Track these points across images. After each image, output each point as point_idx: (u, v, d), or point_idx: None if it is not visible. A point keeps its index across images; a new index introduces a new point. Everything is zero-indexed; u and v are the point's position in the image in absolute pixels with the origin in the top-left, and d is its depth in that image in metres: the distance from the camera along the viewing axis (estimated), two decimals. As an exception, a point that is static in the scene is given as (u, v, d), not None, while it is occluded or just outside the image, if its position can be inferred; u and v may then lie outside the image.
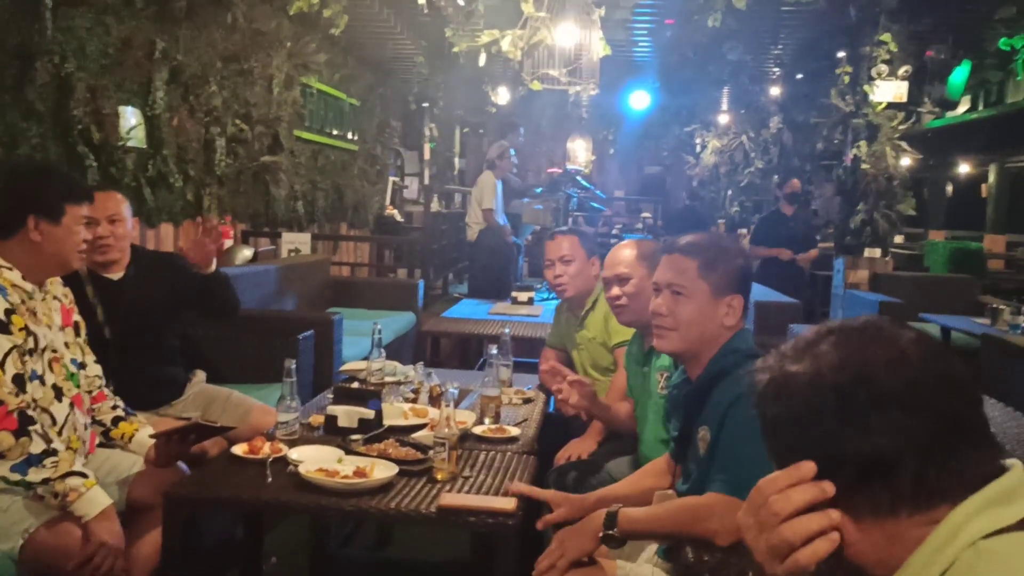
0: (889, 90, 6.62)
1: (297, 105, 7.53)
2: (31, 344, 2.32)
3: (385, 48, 8.90)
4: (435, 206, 10.87)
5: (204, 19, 5.91)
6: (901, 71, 6.58)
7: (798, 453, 0.97)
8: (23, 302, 2.33)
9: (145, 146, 5.30)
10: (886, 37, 6.42)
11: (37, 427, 2.21)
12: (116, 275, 3.11)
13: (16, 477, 2.16)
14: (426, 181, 11.92)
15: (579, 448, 3.06)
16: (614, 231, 11.12)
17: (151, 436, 2.57)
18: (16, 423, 2.17)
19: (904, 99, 6.67)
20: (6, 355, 2.22)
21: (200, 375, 3.39)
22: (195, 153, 5.96)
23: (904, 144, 6.68)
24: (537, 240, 10.17)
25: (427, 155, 12.19)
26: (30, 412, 2.22)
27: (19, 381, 2.24)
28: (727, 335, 2.00)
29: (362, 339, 4.76)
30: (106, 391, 2.69)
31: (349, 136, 9.19)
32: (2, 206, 2.40)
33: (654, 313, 2.06)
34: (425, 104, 10.98)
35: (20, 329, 2.28)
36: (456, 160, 13.93)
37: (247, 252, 6.08)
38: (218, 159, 6.19)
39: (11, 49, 4.15)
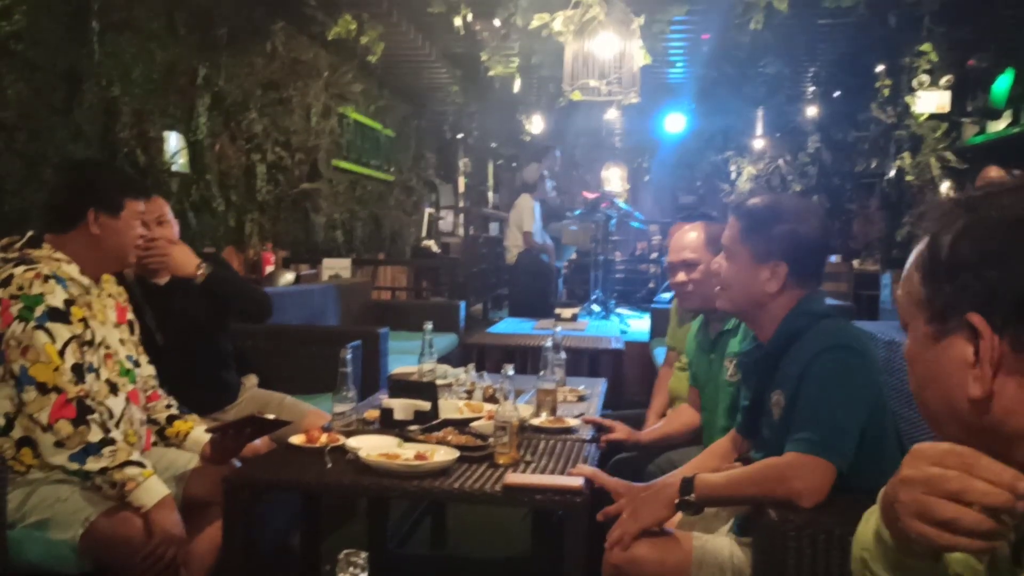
0: (931, 100, 6.53)
1: (335, 134, 7.61)
2: (88, 337, 2.31)
3: (420, 77, 8.97)
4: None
5: (244, 47, 6.00)
6: (943, 81, 6.50)
7: (989, 295, 0.89)
8: (81, 295, 2.33)
9: (188, 171, 5.35)
10: (926, 47, 6.36)
11: (95, 416, 2.19)
12: (163, 280, 3.09)
13: (75, 467, 2.14)
14: (461, 213, 11.95)
15: None
16: (652, 256, 11.06)
17: (207, 431, 2.55)
18: (75, 411, 2.16)
19: (947, 109, 6.58)
20: (66, 344, 2.21)
21: (253, 379, 3.36)
22: (236, 179, 6.02)
23: (949, 154, 6.58)
24: (575, 267, 10.14)
25: (461, 187, 12.24)
26: (88, 402, 2.21)
27: (78, 371, 2.22)
28: (773, 301, 1.96)
29: (407, 357, 4.72)
30: (160, 391, 2.67)
31: (385, 167, 9.25)
32: (63, 200, 2.41)
33: (713, 272, 2.10)
34: (460, 135, 11.05)
35: (79, 320, 2.27)
36: (490, 194, 13.99)
37: (289, 276, 6.10)
38: (259, 185, 6.24)
39: (60, 72, 4.22)
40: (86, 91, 4.37)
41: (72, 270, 2.34)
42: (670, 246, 2.91)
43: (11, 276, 2.21)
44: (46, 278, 2.22)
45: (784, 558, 1.60)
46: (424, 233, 10.52)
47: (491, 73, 6.53)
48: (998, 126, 7.02)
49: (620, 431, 2.71)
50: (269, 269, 6.27)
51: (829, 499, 1.70)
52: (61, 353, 2.19)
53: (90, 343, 2.31)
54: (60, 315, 2.22)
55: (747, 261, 1.98)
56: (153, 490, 2.19)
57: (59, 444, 2.14)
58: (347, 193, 8.13)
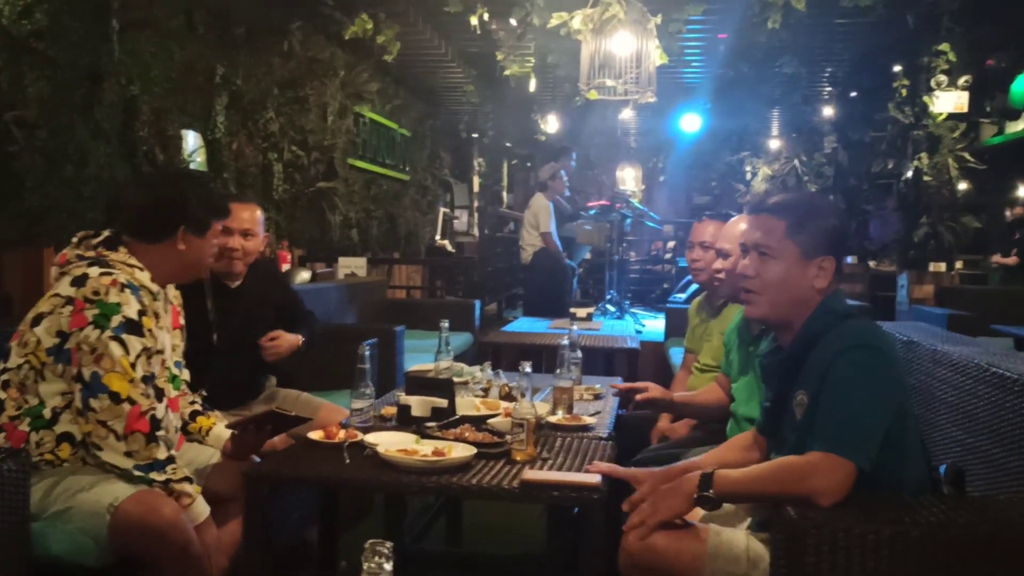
0: (949, 100, 6.51)
1: (351, 133, 7.63)
2: (152, 346, 2.33)
3: (436, 77, 9.00)
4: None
5: (262, 46, 6.03)
6: (961, 81, 6.48)
7: None
8: (150, 304, 2.34)
9: (206, 169, 5.38)
10: (945, 47, 6.34)
11: (163, 433, 2.23)
12: (234, 283, 3.16)
13: (139, 474, 2.18)
14: (475, 212, 11.97)
15: (671, 429, 3.10)
16: (666, 256, 11.05)
17: (228, 426, 2.57)
18: (148, 426, 2.19)
19: (965, 109, 6.56)
20: (138, 356, 2.23)
21: (272, 380, 3.41)
22: (253, 177, 6.04)
23: (967, 155, 6.55)
24: (589, 267, 10.13)
25: (476, 187, 12.25)
26: (159, 417, 2.24)
27: (147, 382, 2.26)
28: (818, 298, 1.93)
29: (423, 355, 4.74)
30: (185, 388, 2.69)
31: (400, 166, 9.27)
32: (159, 214, 2.42)
33: (740, 275, 1.99)
34: (475, 135, 11.06)
35: (147, 331, 2.29)
36: (504, 194, 13.99)
37: (305, 274, 6.14)
38: (276, 184, 6.27)
39: (81, 70, 4.25)
40: (106, 89, 4.40)
41: (144, 277, 2.35)
42: (719, 233, 2.98)
43: (85, 276, 2.22)
44: (123, 287, 2.23)
45: (803, 555, 1.60)
46: (439, 232, 10.55)
47: (507, 73, 6.55)
48: (1017, 126, 6.98)
49: (654, 390, 2.81)
50: (285, 267, 6.30)
51: (848, 497, 1.70)
52: (133, 365, 2.21)
53: (154, 352, 2.34)
54: (135, 327, 2.23)
55: (794, 258, 1.92)
56: (203, 506, 2.26)
57: (129, 454, 2.17)
58: (362, 192, 8.15)
